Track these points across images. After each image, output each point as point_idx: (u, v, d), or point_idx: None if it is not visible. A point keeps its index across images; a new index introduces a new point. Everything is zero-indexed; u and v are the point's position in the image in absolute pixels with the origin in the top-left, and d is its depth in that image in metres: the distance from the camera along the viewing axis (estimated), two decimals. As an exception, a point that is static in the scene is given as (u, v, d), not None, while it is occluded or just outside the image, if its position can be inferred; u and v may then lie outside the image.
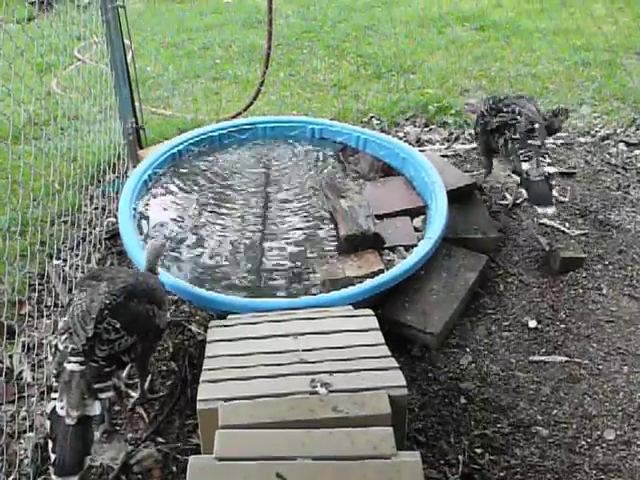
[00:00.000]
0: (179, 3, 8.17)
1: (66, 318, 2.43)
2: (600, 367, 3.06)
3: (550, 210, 3.50)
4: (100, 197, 4.13)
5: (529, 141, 3.56)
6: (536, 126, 3.59)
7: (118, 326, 2.39)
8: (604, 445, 2.71)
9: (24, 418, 2.79)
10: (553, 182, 3.57)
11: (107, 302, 2.41)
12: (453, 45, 6.44)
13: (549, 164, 3.54)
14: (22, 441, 2.72)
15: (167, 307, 2.75)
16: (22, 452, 2.67)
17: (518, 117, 3.61)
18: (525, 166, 3.50)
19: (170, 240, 3.46)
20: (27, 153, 3.74)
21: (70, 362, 2.30)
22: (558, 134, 4.83)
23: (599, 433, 2.76)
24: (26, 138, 3.79)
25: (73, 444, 2.18)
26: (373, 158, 4.08)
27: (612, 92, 5.40)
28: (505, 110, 3.66)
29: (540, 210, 3.50)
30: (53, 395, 2.30)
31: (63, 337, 2.37)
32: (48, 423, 2.26)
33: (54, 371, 2.34)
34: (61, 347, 2.36)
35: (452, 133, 4.90)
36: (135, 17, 6.98)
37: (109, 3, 3.94)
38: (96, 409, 2.25)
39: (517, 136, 3.58)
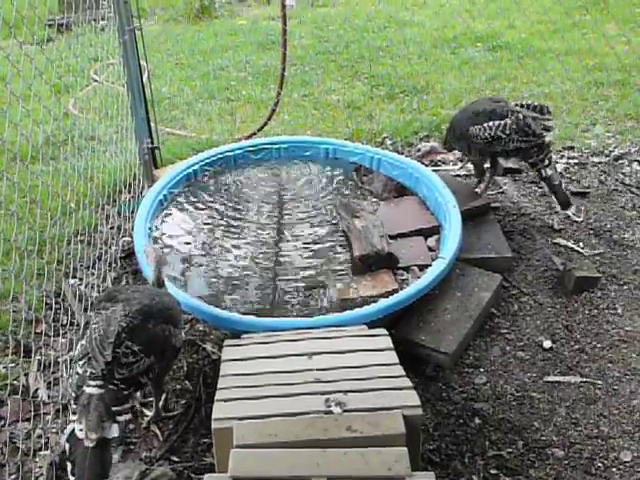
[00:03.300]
0: (194, 25, 8.28)
1: (84, 342, 2.44)
2: (616, 388, 3.04)
3: (573, 208, 3.95)
4: (116, 216, 4.17)
5: (544, 140, 3.80)
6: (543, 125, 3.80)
7: (136, 349, 2.40)
8: (621, 467, 2.69)
9: (39, 436, 2.80)
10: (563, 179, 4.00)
11: (124, 325, 2.42)
12: (466, 66, 6.48)
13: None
14: (37, 459, 2.73)
15: (183, 325, 2.76)
16: (37, 470, 2.68)
17: (527, 120, 3.74)
18: (549, 172, 3.82)
19: (185, 260, 3.49)
20: (44, 173, 3.78)
21: (89, 386, 2.32)
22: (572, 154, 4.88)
23: (615, 454, 2.74)
24: (44, 158, 3.84)
25: (92, 466, 2.19)
26: (387, 178, 4.10)
27: (625, 112, 5.41)
28: (517, 119, 3.75)
29: (570, 212, 3.97)
30: (72, 417, 2.31)
31: (81, 362, 2.39)
32: (67, 446, 2.28)
33: (73, 394, 2.36)
34: (80, 371, 2.37)
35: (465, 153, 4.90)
36: (151, 39, 7.08)
37: (126, 25, 4.00)
38: (114, 432, 2.27)
39: (533, 140, 3.76)
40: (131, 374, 2.40)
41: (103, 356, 2.33)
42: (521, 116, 3.74)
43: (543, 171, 3.82)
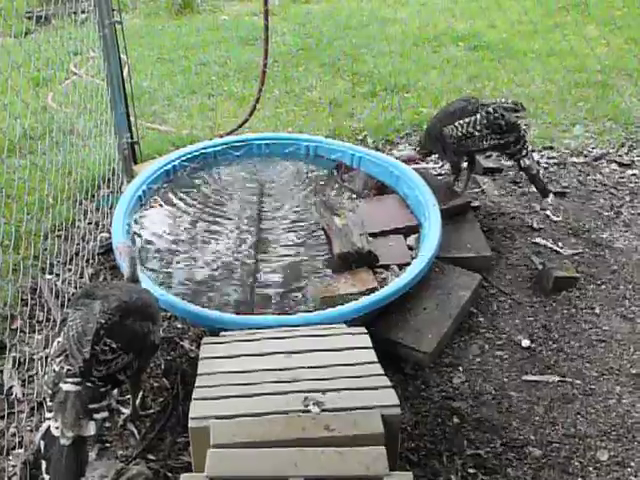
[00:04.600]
0: (176, 19, 8.22)
1: (61, 339, 2.40)
2: (593, 387, 3.06)
3: (551, 197, 3.95)
4: (94, 212, 4.12)
5: (521, 133, 3.82)
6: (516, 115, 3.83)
7: (114, 346, 2.37)
8: (597, 466, 2.70)
9: (13, 434, 2.77)
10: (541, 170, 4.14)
11: (102, 322, 2.38)
12: (447, 64, 6.48)
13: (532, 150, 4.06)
14: (11, 458, 2.69)
15: (161, 322, 2.73)
16: (11, 469, 2.64)
17: (497, 113, 3.74)
18: (528, 162, 3.84)
19: (164, 257, 3.46)
20: (22, 167, 3.73)
21: (66, 383, 2.28)
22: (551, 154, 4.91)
23: (592, 454, 2.75)
24: (21, 152, 3.78)
25: (67, 465, 2.15)
26: (367, 176, 4.09)
27: (605, 112, 5.44)
28: (487, 113, 3.75)
29: (549, 200, 3.96)
30: (47, 415, 2.27)
31: (58, 359, 2.35)
32: (42, 444, 2.23)
33: (49, 391, 2.32)
34: (56, 368, 2.33)
35: (446, 152, 4.91)
36: (132, 33, 7.01)
37: (106, 19, 3.95)
38: (91, 430, 2.23)
39: (507, 133, 3.77)
40: (109, 371, 2.37)
41: (81, 353, 2.30)
42: (491, 109, 3.74)
43: (522, 162, 3.85)
